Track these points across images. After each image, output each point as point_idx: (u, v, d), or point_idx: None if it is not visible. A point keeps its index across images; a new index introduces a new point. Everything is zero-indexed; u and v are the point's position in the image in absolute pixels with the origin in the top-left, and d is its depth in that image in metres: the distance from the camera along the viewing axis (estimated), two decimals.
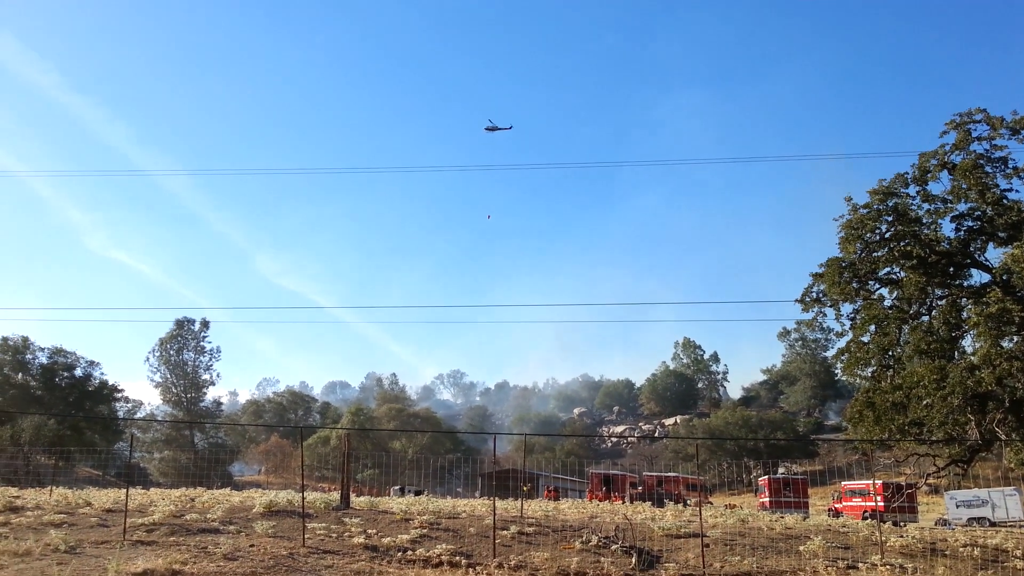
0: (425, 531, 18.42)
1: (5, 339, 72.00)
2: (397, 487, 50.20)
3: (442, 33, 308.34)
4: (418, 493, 44.48)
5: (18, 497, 24.15)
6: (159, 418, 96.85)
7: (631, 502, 39.77)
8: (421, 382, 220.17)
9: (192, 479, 56.16)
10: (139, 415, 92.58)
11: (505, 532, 18.31)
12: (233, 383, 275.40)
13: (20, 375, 71.59)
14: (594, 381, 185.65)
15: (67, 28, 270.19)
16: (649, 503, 36.25)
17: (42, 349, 72.87)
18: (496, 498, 21.44)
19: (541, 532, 19.05)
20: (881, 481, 42.57)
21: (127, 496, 19.49)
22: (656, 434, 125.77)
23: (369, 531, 17.95)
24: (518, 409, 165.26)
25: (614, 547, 17.00)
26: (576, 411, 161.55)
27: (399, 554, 16.15)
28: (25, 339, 71.73)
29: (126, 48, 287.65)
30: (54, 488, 28.89)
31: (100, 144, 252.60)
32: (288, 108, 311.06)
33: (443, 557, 15.94)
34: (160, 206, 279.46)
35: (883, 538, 18.10)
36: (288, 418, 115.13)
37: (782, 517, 24.49)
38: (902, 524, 28.15)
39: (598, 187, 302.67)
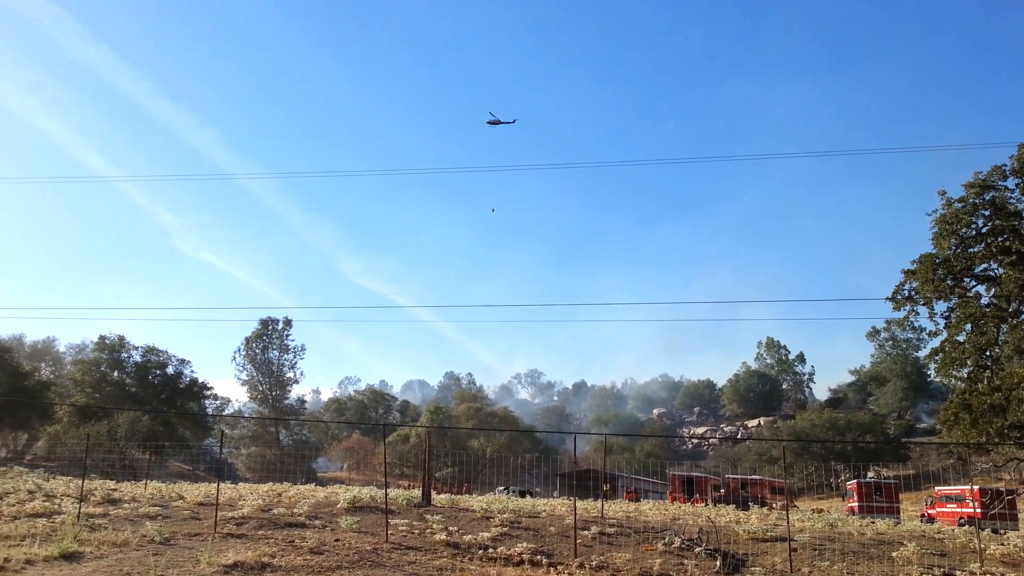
0: (506, 529, 18.43)
1: (102, 338, 75.32)
2: (501, 487, 49.63)
3: (541, 29, 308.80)
4: (523, 494, 44.07)
5: (116, 490, 25.23)
6: (246, 415, 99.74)
7: (714, 505, 39.05)
8: (499, 381, 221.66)
9: (277, 474, 57.72)
10: (227, 412, 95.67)
11: (586, 532, 18.18)
12: (316, 381, 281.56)
13: (116, 373, 74.70)
14: (674, 381, 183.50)
15: (160, 37, 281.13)
16: (733, 506, 35.54)
17: (136, 348, 75.88)
18: (575, 498, 21.29)
19: (622, 533, 18.85)
20: (978, 486, 40.69)
21: (218, 491, 20.08)
22: (739, 436, 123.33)
23: (450, 528, 18.06)
24: (596, 409, 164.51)
25: (698, 549, 16.68)
26: (656, 412, 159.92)
27: (480, 552, 16.18)
28: (121, 338, 74.84)
29: (215, 55, 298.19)
30: (148, 482, 30.05)
31: (191, 149, 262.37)
32: (370, 109, 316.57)
33: (524, 556, 15.89)
34: (247, 209, 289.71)
35: (982, 545, 17.28)
36: (368, 416, 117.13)
37: (873, 522, 23.66)
38: (1002, 532, 26.84)
39: (699, 183, 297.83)
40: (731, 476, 56.15)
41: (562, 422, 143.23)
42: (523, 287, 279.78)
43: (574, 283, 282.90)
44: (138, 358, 75.46)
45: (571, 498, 28.53)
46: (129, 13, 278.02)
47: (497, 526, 18.61)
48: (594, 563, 15.50)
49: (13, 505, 20.72)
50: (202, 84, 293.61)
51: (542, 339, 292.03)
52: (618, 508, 26.45)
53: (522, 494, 43.07)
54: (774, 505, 39.17)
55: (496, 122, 53.67)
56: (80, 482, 22.52)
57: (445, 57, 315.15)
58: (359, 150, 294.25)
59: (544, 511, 21.92)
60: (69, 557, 14.46)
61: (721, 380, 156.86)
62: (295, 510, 19.91)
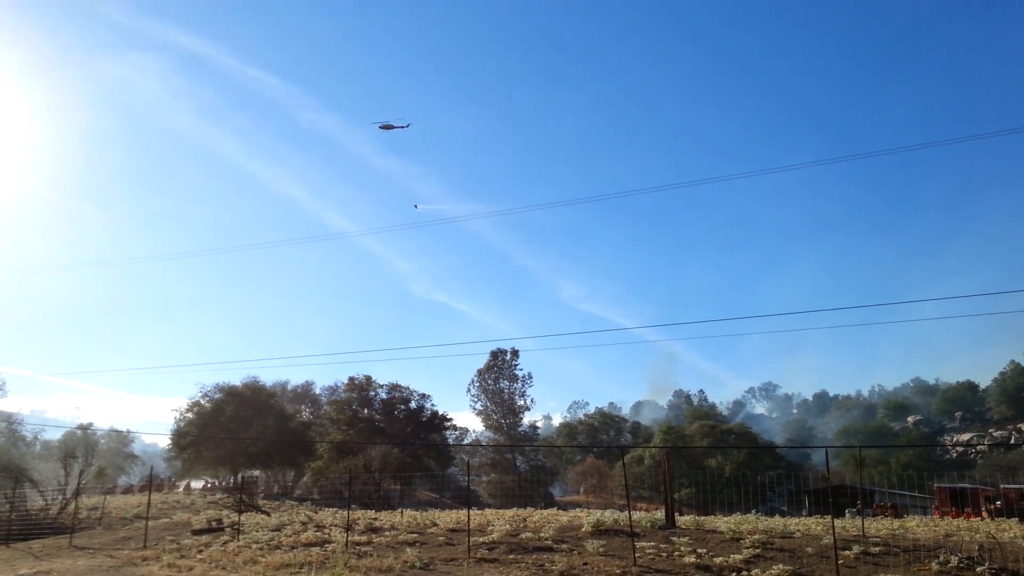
0: (758, 551, 17.63)
1: (352, 379, 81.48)
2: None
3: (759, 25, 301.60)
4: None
5: (376, 519, 27.02)
6: (483, 443, 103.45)
7: (992, 519, 35.19)
8: (731, 396, 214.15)
9: (517, 500, 59.19)
10: (466, 441, 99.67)
11: (847, 552, 16.98)
12: (546, 407, 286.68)
13: (366, 410, 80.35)
14: (928, 385, 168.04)
15: (382, 99, 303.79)
16: (1016, 519, 31.85)
17: (382, 386, 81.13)
18: (832, 516, 19.98)
19: (888, 552, 17.40)
20: None
21: (468, 517, 20.92)
22: (1012, 441, 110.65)
23: (699, 550, 17.57)
24: (841, 420, 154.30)
25: (979, 568, 15.03)
26: (910, 419, 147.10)
27: (733, 574, 15.60)
28: (368, 378, 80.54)
29: (430, 107, 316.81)
30: (403, 510, 31.90)
31: (416, 197, 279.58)
32: (584, 135, 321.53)
33: None
34: (471, 248, 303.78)
35: None
36: (600, 439, 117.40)
37: None
38: None
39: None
40: (1007, 486, 50.34)
41: (804, 436, 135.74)
42: (738, 299, 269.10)
43: (783, 290, 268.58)
44: (384, 395, 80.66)
45: (823, 516, 26.88)
46: (344, 77, 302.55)
47: (748, 547, 17.86)
48: None
49: (290, 536, 22.79)
50: (419, 137, 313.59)
51: (777, 350, 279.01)
52: (880, 525, 24.56)
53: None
54: None
55: (388, 127, 51.85)
56: (344, 513, 24.32)
57: (638, 75, 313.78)
58: (570, 177, 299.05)
59: (797, 531, 20.77)
60: None
61: (984, 380, 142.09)
62: (541, 534, 20.28)
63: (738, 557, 16.75)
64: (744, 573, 15.58)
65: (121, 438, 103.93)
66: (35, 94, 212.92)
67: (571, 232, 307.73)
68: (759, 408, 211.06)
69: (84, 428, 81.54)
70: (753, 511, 28.55)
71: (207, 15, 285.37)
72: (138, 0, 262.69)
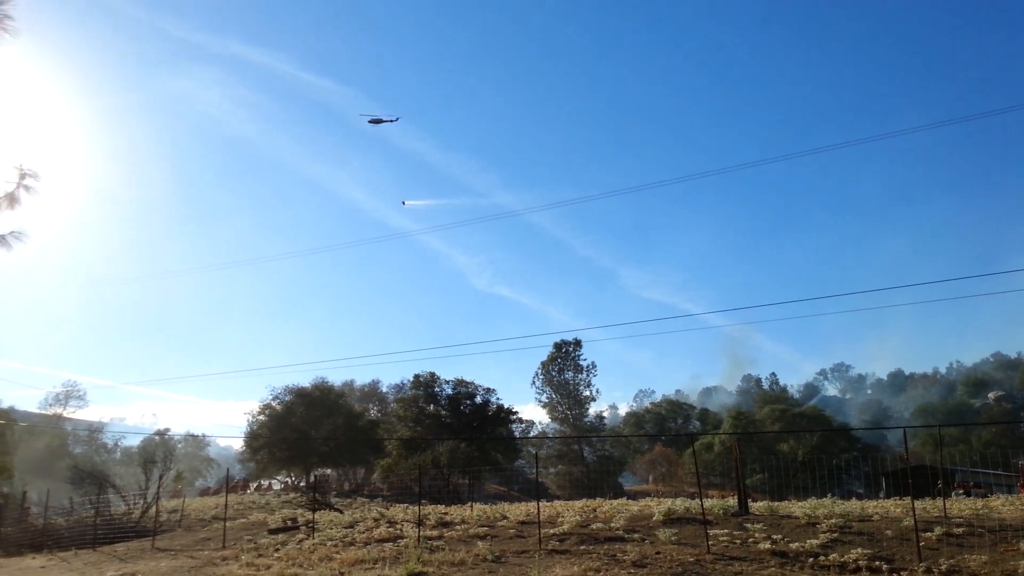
0: (835, 535, 17.19)
1: (417, 376, 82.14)
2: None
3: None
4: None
5: (446, 513, 27.23)
6: (550, 435, 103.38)
7: None
8: (802, 379, 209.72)
9: (586, 491, 59.10)
10: (532, 434, 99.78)
11: (929, 534, 16.44)
12: (612, 397, 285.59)
13: (432, 406, 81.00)
14: (1010, 360, 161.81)
15: (438, 98, 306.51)
16: None
17: (447, 382, 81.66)
18: (912, 497, 19.37)
19: (972, 533, 16.79)
20: None
21: (538, 509, 20.87)
22: None
23: (774, 536, 17.21)
24: (917, 399, 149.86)
25: None
26: (992, 395, 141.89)
27: (810, 559, 15.22)
28: (432, 374, 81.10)
29: (484, 102, 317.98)
30: (473, 504, 32.07)
31: (474, 193, 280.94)
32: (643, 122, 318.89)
33: (860, 562, 14.69)
34: (531, 241, 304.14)
35: None
36: (668, 427, 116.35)
37: None
38: None
39: None
40: None
41: (880, 416, 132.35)
42: (814, 278, 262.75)
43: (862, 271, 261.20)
44: (449, 391, 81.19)
45: (902, 499, 26.11)
46: (400, 80, 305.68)
47: (825, 532, 17.43)
48: (943, 567, 13.95)
49: (363, 532, 23.10)
50: (478, 131, 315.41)
51: (843, 330, 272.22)
52: (964, 506, 23.74)
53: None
54: None
55: (378, 121, 51.11)
56: (415, 508, 24.54)
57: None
58: (630, 164, 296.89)
59: (876, 513, 20.20)
60: None
61: None
62: (612, 524, 20.13)
63: (815, 542, 16.36)
64: (821, 558, 15.20)
65: (197, 442, 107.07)
66: (102, 110, 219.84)
67: (632, 220, 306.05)
68: (831, 390, 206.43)
69: (162, 434, 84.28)
70: (829, 495, 27.87)
71: (262, 25, 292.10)
72: (197, 14, 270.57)
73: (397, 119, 54.73)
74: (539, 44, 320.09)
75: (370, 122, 53.73)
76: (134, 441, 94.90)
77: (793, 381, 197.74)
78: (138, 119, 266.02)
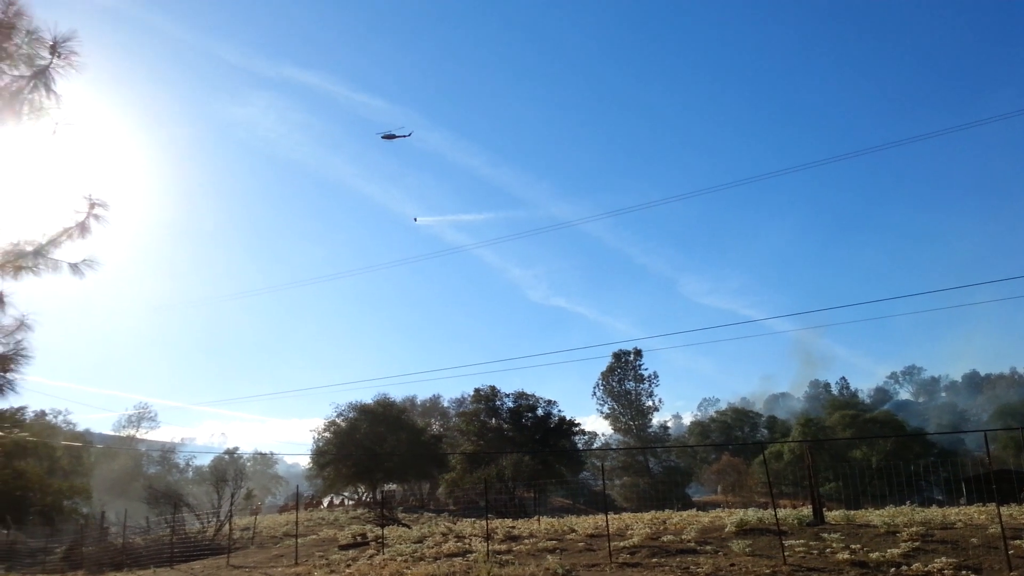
0: (917, 544, 16.58)
1: (478, 390, 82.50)
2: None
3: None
4: None
5: (514, 527, 27.13)
6: (613, 447, 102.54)
7: None
8: (872, 383, 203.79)
9: (652, 502, 58.25)
10: (595, 446, 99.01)
11: (1017, 542, 15.73)
12: (675, 406, 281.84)
13: (493, 420, 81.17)
14: None
15: (489, 111, 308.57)
16: None
17: (507, 395, 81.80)
18: (997, 503, 18.58)
19: None
20: None
21: (607, 522, 20.67)
22: None
23: (852, 546, 16.68)
24: (995, 400, 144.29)
25: None
26: None
27: (892, 569, 14.72)
28: (493, 388, 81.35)
29: (535, 113, 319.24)
30: (540, 517, 31.90)
31: (527, 204, 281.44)
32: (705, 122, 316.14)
33: (946, 572, 14.16)
34: (586, 251, 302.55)
35: None
36: (735, 435, 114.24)
37: None
38: None
39: None
40: None
41: (956, 420, 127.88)
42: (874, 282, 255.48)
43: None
44: (510, 404, 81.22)
45: (985, 505, 25.10)
46: (457, 96, 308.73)
47: (906, 541, 16.83)
48: None
49: (431, 547, 23.15)
50: (525, 144, 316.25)
51: (916, 331, 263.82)
52: None
53: None
54: None
55: (390, 136, 50.69)
56: (482, 522, 24.52)
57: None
58: (683, 170, 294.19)
59: (958, 521, 19.46)
60: None
61: None
62: (683, 536, 19.79)
63: (896, 551, 15.82)
64: (904, 568, 14.69)
65: (265, 460, 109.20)
66: (165, 139, 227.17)
67: (690, 225, 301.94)
68: (903, 393, 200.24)
69: (231, 453, 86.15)
70: (907, 503, 26.96)
71: (315, 49, 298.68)
72: (252, 42, 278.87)
73: (410, 134, 55.93)
74: (589, 51, 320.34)
75: (383, 138, 54.68)
76: (204, 460, 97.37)
77: (863, 385, 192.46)
78: (199, 145, 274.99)
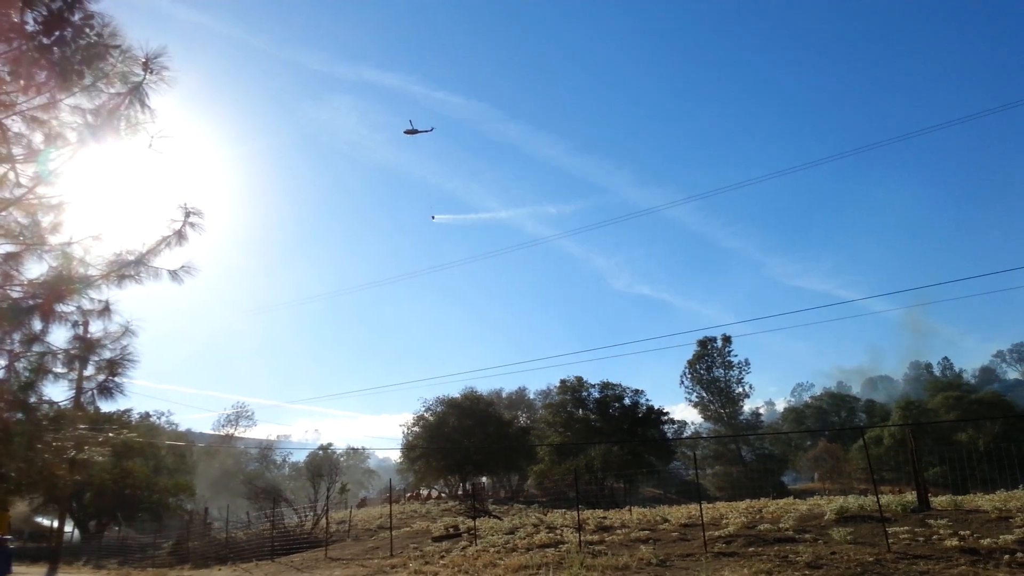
0: None
1: (563, 381, 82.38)
2: None
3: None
4: None
5: (605, 517, 26.94)
6: (704, 435, 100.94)
7: None
8: (977, 363, 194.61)
9: (746, 491, 57.12)
10: (685, 434, 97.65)
11: None
12: (767, 392, 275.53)
13: (580, 411, 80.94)
14: None
15: (566, 102, 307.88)
16: None
17: (593, 385, 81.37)
18: None
19: None
20: None
21: (701, 511, 20.33)
22: None
23: (961, 532, 15.92)
24: None
25: None
26: None
27: (1005, 556, 13.96)
28: (579, 379, 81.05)
29: (612, 101, 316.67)
30: (631, 507, 31.62)
31: (608, 192, 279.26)
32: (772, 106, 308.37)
33: None
34: (669, 237, 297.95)
35: None
36: (831, 421, 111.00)
37: None
38: None
39: None
40: None
41: None
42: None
43: None
44: (596, 394, 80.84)
45: None
46: (535, 90, 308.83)
47: (1020, 527, 15.94)
48: None
49: (523, 538, 23.20)
50: (606, 132, 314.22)
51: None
52: None
53: None
54: None
55: (413, 131, 49.50)
56: (574, 513, 24.44)
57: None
58: (768, 149, 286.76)
59: None
60: None
61: None
62: (780, 524, 19.26)
63: (1009, 537, 15.01)
64: (1019, 554, 13.92)
65: (358, 455, 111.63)
66: (255, 146, 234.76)
67: (775, 207, 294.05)
68: (1012, 373, 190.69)
69: (325, 448, 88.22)
70: (1020, 486, 25.59)
71: (392, 50, 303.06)
72: (332, 46, 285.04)
73: (432, 129, 56.54)
74: (665, 36, 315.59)
75: (406, 133, 55.41)
76: (300, 456, 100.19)
77: (967, 365, 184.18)
78: (285, 151, 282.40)
